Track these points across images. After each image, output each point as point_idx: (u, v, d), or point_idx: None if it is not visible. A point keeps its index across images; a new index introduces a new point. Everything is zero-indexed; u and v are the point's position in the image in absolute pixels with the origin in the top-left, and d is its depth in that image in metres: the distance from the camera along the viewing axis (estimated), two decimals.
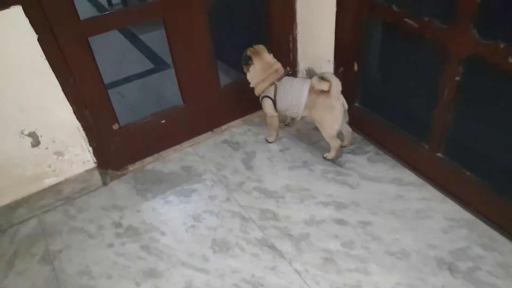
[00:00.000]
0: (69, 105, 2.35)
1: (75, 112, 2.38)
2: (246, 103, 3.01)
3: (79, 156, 2.55)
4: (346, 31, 2.55)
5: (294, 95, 2.48)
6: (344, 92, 2.42)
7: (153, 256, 2.24)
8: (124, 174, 2.80)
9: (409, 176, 2.51)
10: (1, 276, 2.23)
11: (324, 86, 2.34)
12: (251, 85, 2.64)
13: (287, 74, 2.57)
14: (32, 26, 2.04)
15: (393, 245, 2.14)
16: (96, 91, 2.43)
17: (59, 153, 2.47)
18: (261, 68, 2.54)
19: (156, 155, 2.91)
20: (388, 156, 2.66)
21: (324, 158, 2.69)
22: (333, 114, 2.45)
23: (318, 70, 2.97)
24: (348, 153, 2.75)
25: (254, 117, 3.20)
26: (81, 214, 2.55)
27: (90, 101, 2.43)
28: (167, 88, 3.59)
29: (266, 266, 2.12)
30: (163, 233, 2.37)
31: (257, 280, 2.06)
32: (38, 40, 2.09)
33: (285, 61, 2.88)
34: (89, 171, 2.63)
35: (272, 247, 2.20)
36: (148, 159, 2.89)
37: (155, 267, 2.19)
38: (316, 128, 2.66)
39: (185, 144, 2.99)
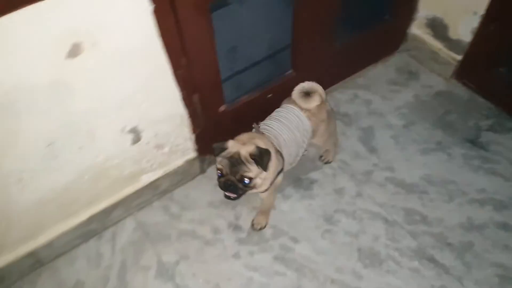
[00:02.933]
0: (178, 91, 1.83)
1: (183, 99, 1.87)
2: (349, 63, 2.53)
3: (180, 146, 2.09)
4: None
5: (294, 135, 1.87)
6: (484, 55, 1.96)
7: (293, 271, 1.94)
8: None
9: None
10: None
11: (316, 99, 1.87)
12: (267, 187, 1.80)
13: (256, 130, 1.83)
14: None
15: None
16: (209, 71, 1.89)
17: (159, 147, 2.00)
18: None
19: None
20: None
21: (326, 163, 2.28)
22: (333, 119, 2.12)
23: (449, 23, 2.41)
24: (487, 130, 2.35)
25: (356, 77, 2.70)
26: (185, 212, 2.17)
27: (201, 84, 1.91)
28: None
29: (433, 285, 1.85)
30: (295, 240, 2.04)
31: None
32: (154, 11, 1.49)
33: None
34: (188, 161, 2.20)
35: (433, 261, 1.92)
36: None
37: (300, 285, 1.89)
38: (439, 95, 2.32)
39: None
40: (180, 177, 2.22)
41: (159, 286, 1.94)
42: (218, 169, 1.66)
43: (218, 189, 1.74)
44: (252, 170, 1.62)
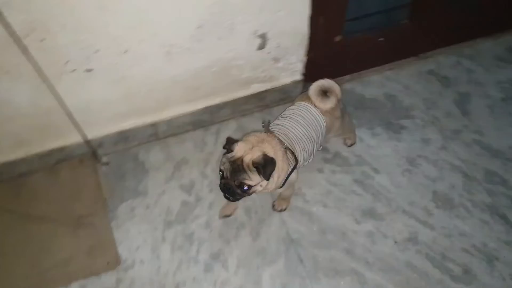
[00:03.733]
0: (308, 9, 2.04)
1: (310, 17, 2.09)
2: (461, 28, 2.58)
3: (292, 65, 2.33)
4: None
5: (307, 131, 1.83)
6: None
7: (370, 195, 2.14)
8: None
9: None
10: (214, 178, 2.22)
11: (332, 101, 1.86)
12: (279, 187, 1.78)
13: (266, 129, 1.80)
14: None
15: None
16: None
17: (276, 59, 2.25)
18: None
19: (355, 74, 2.64)
20: None
21: (350, 145, 2.31)
22: (346, 114, 2.12)
23: None
24: None
25: (464, 46, 2.76)
26: None
27: (329, 7, 2.11)
28: None
29: (500, 238, 1.98)
30: (376, 171, 2.23)
31: (490, 251, 1.94)
32: None
33: None
34: (294, 82, 2.43)
35: (504, 218, 2.04)
36: (347, 77, 2.63)
37: (373, 207, 2.10)
38: None
39: (386, 66, 2.67)
40: (283, 95, 2.47)
41: None
42: (220, 170, 1.64)
43: None
44: (253, 178, 1.58)
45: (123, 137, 2.28)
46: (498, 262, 1.89)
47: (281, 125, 1.81)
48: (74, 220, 2.11)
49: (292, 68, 2.35)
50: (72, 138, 2.19)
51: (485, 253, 1.93)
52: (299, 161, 1.78)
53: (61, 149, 2.21)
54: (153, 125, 2.29)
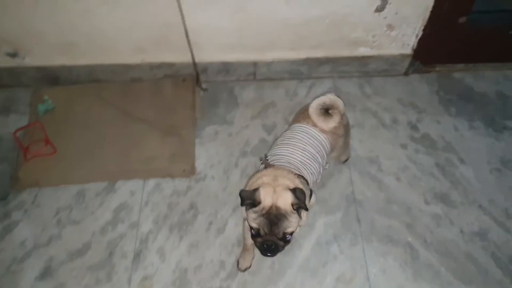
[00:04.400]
0: None
1: None
2: None
3: (405, 37, 2.29)
4: None
5: (309, 152, 1.64)
6: None
7: (448, 181, 2.07)
8: (428, 72, 2.49)
9: None
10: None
11: (335, 120, 1.67)
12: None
13: (266, 163, 1.60)
14: None
15: None
16: None
17: (390, 27, 2.23)
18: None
19: (470, 65, 2.50)
20: None
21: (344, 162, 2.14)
22: (349, 129, 1.96)
23: None
24: None
25: None
26: (376, 96, 2.41)
27: None
28: None
29: None
30: (462, 161, 2.13)
31: None
32: None
33: None
34: (402, 56, 2.39)
35: None
36: (460, 65, 2.50)
37: (447, 193, 2.03)
38: None
39: (508, 64, 2.48)
40: (386, 67, 2.44)
41: None
42: (252, 228, 1.39)
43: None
44: (293, 222, 1.36)
45: (225, 69, 2.46)
46: None
47: (281, 155, 1.62)
48: (166, 128, 2.34)
49: (404, 40, 2.31)
50: (182, 57, 2.41)
51: None
52: (310, 185, 1.62)
53: (170, 65, 2.45)
54: (255, 64, 2.42)
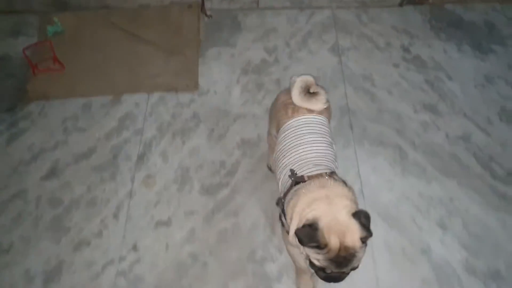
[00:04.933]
0: None
1: None
2: None
3: None
4: None
5: (326, 141, 1.47)
6: None
7: (436, 94, 2.21)
8: (421, 4, 2.62)
9: None
10: (295, 49, 2.42)
11: (322, 98, 1.49)
12: None
13: (298, 179, 1.37)
14: None
15: None
16: None
17: None
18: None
19: None
20: None
21: None
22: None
23: None
24: None
25: None
26: (372, 24, 2.53)
27: None
28: None
29: None
30: (450, 78, 2.27)
31: None
32: None
33: None
34: None
35: None
36: None
37: (435, 104, 2.17)
38: None
39: None
40: None
41: (328, 56, 2.40)
42: (317, 267, 1.22)
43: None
44: (361, 254, 1.18)
45: None
46: None
47: (305, 160, 1.39)
48: (170, 48, 2.46)
49: None
50: None
51: None
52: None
53: None
54: None
